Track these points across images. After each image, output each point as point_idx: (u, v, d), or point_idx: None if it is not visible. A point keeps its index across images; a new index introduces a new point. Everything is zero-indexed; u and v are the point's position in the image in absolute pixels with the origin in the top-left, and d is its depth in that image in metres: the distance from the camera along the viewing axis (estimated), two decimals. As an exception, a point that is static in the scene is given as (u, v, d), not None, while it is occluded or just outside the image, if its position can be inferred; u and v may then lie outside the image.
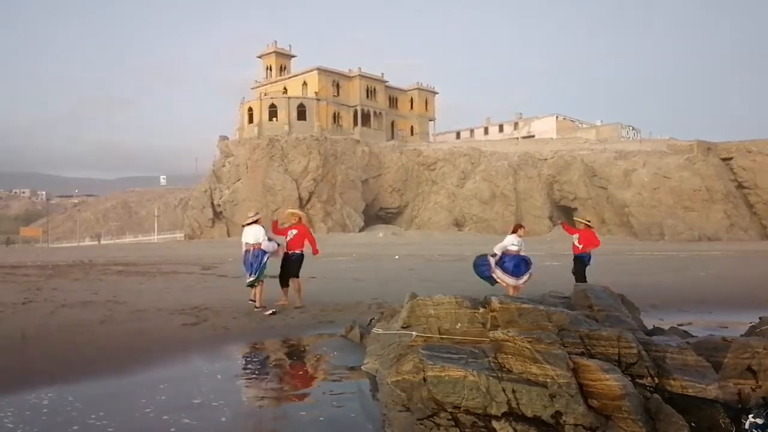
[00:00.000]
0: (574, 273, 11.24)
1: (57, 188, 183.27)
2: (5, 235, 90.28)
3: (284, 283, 10.21)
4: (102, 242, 71.31)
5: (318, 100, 67.23)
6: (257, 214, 10.37)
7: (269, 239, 9.92)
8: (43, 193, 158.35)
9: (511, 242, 10.48)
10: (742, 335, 5.65)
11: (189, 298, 11.07)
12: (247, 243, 9.89)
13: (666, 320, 8.53)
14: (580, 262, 11.20)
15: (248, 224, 10.09)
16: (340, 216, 59.00)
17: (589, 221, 11.73)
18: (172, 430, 4.37)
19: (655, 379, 4.37)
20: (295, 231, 10.30)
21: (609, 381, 3.99)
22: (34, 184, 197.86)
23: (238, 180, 61.05)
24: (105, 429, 4.37)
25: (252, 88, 75.64)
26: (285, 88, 71.04)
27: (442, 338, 5.34)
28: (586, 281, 10.49)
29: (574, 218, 12.14)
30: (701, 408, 4.21)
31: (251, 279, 9.73)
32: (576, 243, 11.20)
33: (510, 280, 10.25)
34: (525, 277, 10.35)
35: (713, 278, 17.10)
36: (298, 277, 10.27)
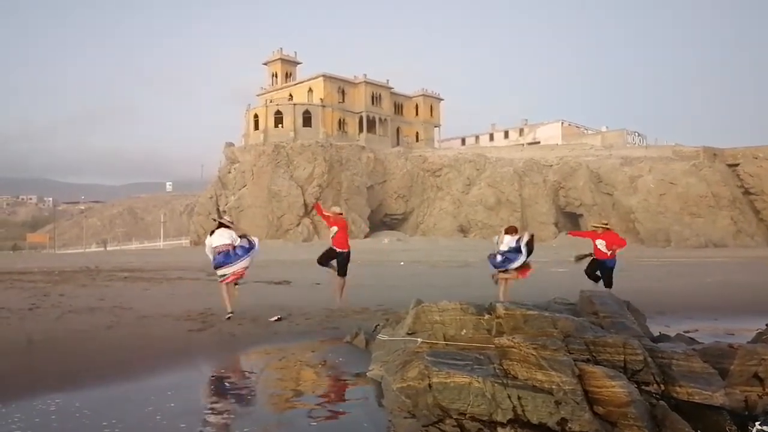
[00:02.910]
0: (605, 279, 11.07)
1: (64, 194, 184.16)
2: (12, 241, 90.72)
3: (325, 263, 10.83)
4: (108, 248, 71.54)
5: (323, 106, 67.44)
6: (232, 222, 10.64)
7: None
8: (50, 199, 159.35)
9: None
10: (748, 342, 5.64)
11: (195, 304, 11.09)
12: (224, 244, 9.74)
13: (672, 327, 8.50)
14: (609, 267, 11.08)
15: (222, 226, 10.08)
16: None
17: (606, 223, 11.75)
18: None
19: (661, 385, 4.36)
20: (335, 228, 10.84)
21: (615, 388, 3.98)
22: (41, 190, 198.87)
23: (244, 186, 61.21)
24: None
25: (257, 95, 76.00)
26: (290, 95, 71.34)
27: (447, 344, 5.34)
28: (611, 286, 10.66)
29: (591, 225, 12.17)
30: (707, 415, 4.20)
31: (228, 269, 9.66)
32: (602, 248, 11.01)
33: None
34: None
35: (719, 285, 17.02)
36: (345, 275, 10.84)
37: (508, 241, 10.88)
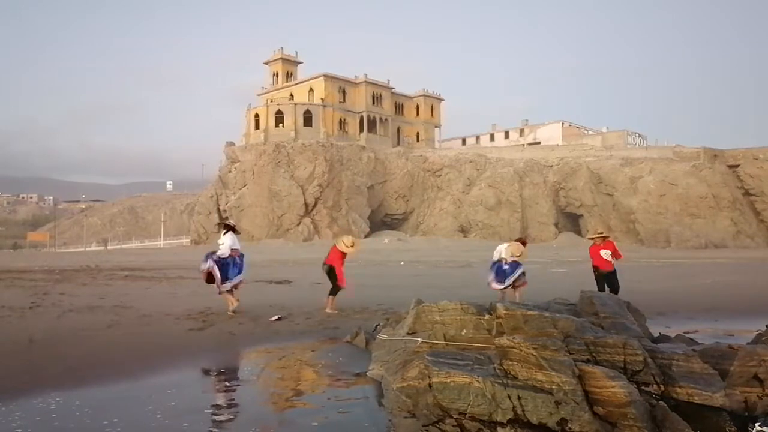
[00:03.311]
0: (613, 289, 10.48)
1: (64, 193, 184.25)
2: (12, 239, 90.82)
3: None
4: (108, 247, 71.53)
5: (324, 106, 67.41)
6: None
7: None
8: (51, 198, 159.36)
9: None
10: (748, 343, 5.64)
11: (195, 303, 11.10)
12: (237, 248, 10.17)
13: (672, 328, 8.51)
14: (614, 276, 10.72)
15: (231, 230, 10.42)
16: (345, 222, 59.01)
17: (602, 232, 11.37)
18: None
19: (661, 386, 4.36)
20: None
21: (615, 388, 3.99)
22: (42, 189, 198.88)
23: (245, 186, 61.20)
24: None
25: (258, 95, 75.96)
26: (291, 95, 71.32)
27: (447, 344, 5.34)
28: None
29: (588, 237, 11.77)
30: (707, 416, 4.20)
31: (237, 280, 10.08)
32: (608, 257, 10.68)
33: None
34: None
35: (719, 286, 17.02)
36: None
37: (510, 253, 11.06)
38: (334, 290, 10.52)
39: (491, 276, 11.21)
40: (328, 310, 10.32)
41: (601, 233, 11.27)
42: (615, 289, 10.51)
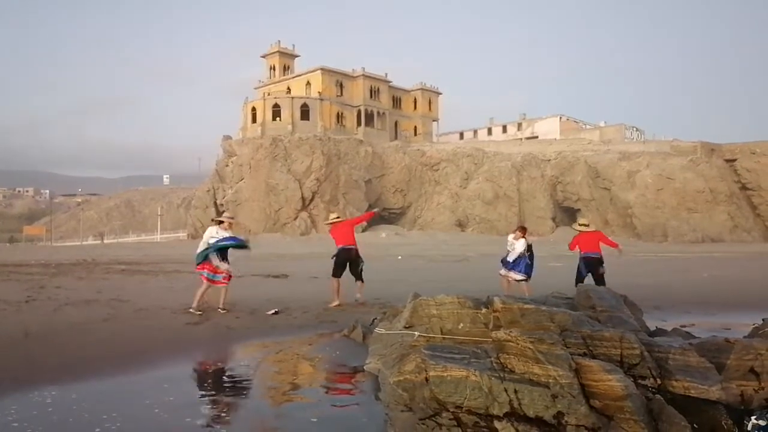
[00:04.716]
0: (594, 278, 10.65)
1: (60, 187, 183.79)
2: (9, 233, 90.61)
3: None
4: (105, 241, 71.41)
5: (321, 100, 67.27)
6: (232, 218, 11.03)
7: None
8: (47, 191, 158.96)
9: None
10: (745, 336, 5.64)
11: (192, 297, 11.07)
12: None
13: (669, 321, 8.53)
14: (590, 263, 10.69)
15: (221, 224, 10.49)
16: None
17: (587, 224, 11.40)
18: (180, 429, 4.39)
19: (658, 380, 4.37)
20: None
21: (611, 381, 3.99)
22: (38, 182, 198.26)
23: (241, 179, 61.09)
24: (121, 430, 4.37)
25: (255, 88, 75.75)
26: (288, 88, 71.13)
27: (444, 338, 5.34)
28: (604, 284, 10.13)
29: (572, 226, 12.08)
30: (704, 409, 4.21)
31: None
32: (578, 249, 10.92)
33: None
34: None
35: (716, 280, 17.06)
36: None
37: (520, 245, 11.09)
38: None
39: (516, 267, 11.14)
40: (358, 295, 10.63)
41: (582, 224, 11.53)
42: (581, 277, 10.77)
